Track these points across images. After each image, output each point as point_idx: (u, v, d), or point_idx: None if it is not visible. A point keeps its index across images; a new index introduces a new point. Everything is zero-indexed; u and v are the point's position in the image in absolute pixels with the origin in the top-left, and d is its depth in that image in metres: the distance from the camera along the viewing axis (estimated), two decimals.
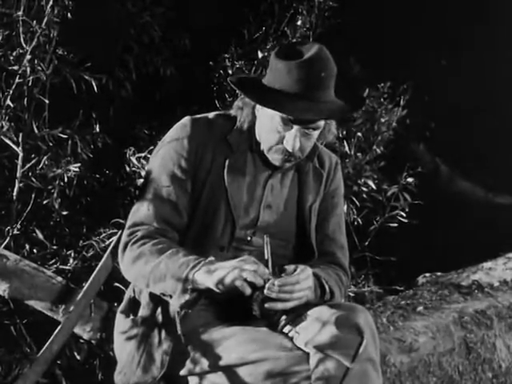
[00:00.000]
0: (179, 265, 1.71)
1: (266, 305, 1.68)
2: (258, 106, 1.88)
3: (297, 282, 1.69)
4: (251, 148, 1.92)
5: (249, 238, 1.91)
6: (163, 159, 1.89)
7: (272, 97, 1.79)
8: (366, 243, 3.71)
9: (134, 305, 1.94)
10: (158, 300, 1.85)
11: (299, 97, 1.77)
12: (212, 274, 1.66)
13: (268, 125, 1.84)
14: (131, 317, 1.92)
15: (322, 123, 1.86)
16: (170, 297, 1.76)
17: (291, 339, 1.75)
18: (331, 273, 1.95)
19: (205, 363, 1.75)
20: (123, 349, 1.91)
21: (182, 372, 1.79)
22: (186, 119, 1.94)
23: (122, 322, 1.95)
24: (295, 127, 1.81)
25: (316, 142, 1.98)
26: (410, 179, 3.70)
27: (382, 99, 3.85)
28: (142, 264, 1.78)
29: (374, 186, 3.65)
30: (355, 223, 3.61)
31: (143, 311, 1.89)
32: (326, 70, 1.79)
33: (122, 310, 1.98)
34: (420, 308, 2.79)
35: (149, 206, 1.84)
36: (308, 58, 1.78)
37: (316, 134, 1.87)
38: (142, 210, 1.85)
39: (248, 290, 1.64)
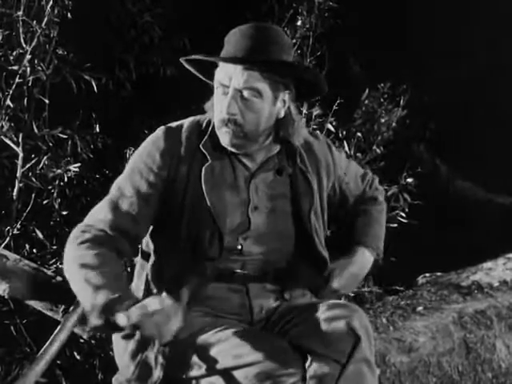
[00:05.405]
0: (105, 291, 1.61)
1: None
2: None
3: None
4: (227, 151, 1.85)
5: (239, 247, 1.84)
6: (132, 171, 1.84)
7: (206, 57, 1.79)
8: None
9: None
10: None
11: (232, 56, 1.76)
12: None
13: (215, 101, 1.81)
14: None
15: (261, 87, 1.76)
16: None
17: (287, 340, 1.75)
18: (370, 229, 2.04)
19: (201, 367, 1.73)
20: (121, 357, 1.89)
21: (179, 376, 1.78)
22: (160, 131, 1.88)
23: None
24: (230, 90, 1.76)
25: (293, 141, 1.89)
26: (409, 179, 3.70)
27: (381, 99, 3.85)
28: (77, 266, 1.71)
29: None
30: None
31: None
32: (262, 35, 1.76)
33: None
34: (420, 308, 2.79)
35: (107, 213, 1.79)
36: (246, 26, 1.79)
37: (259, 103, 1.77)
38: (99, 214, 1.80)
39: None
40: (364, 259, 2.01)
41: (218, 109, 1.80)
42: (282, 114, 1.85)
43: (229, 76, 1.76)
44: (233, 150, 1.84)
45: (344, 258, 2.00)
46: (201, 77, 1.90)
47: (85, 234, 1.77)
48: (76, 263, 1.73)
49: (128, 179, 1.84)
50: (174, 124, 1.90)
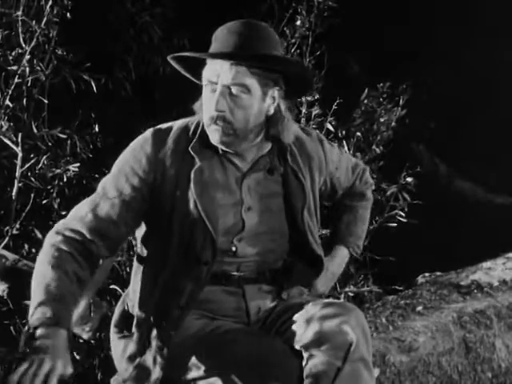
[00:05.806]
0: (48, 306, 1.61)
1: None
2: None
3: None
4: (217, 152, 1.83)
5: (234, 249, 1.83)
6: (118, 172, 1.82)
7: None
8: (366, 243, 3.70)
9: (126, 319, 1.90)
10: (151, 312, 1.82)
11: (218, 52, 1.74)
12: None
13: (203, 99, 1.79)
14: (125, 331, 1.89)
15: (250, 83, 1.74)
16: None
17: (284, 341, 1.74)
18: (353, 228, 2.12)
19: (199, 369, 1.73)
20: (119, 360, 1.88)
21: (177, 378, 1.78)
22: (148, 133, 1.85)
23: (115, 336, 1.92)
24: (219, 87, 1.73)
25: (283, 139, 1.85)
26: (409, 179, 3.69)
27: (381, 99, 3.85)
28: (38, 268, 1.70)
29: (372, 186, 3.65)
30: None
31: (136, 325, 1.85)
32: (249, 31, 1.74)
33: (115, 323, 1.94)
34: (419, 308, 2.79)
35: (87, 213, 1.76)
36: (233, 22, 1.77)
37: (247, 99, 1.75)
38: (80, 212, 1.78)
39: None
40: (344, 260, 2.13)
41: (207, 107, 1.77)
42: (272, 111, 1.82)
43: (217, 73, 1.74)
44: (223, 147, 1.81)
45: (326, 258, 2.01)
46: (189, 76, 1.87)
47: (58, 235, 1.74)
48: (40, 264, 1.71)
49: (113, 181, 1.81)
50: (163, 126, 1.88)
